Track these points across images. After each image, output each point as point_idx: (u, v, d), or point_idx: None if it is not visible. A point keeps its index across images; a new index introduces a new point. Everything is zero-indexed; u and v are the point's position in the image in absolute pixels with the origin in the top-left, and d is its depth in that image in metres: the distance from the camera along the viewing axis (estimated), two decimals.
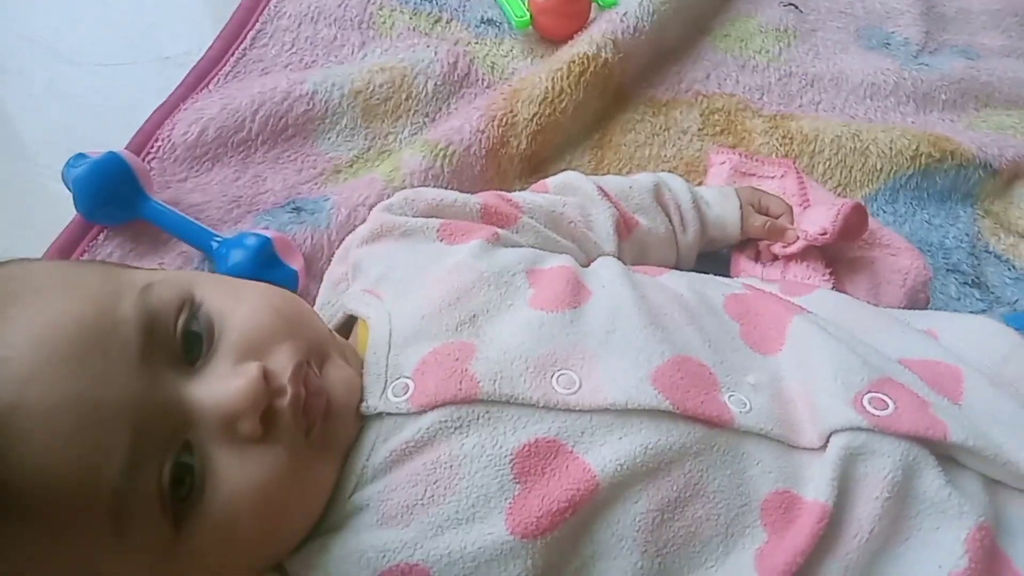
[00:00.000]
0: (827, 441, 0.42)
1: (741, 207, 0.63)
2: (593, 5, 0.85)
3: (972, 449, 0.41)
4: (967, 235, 0.71)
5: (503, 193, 0.59)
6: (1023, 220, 0.72)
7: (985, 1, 0.94)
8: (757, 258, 0.64)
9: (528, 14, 0.84)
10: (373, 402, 0.43)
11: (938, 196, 0.73)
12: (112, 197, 0.64)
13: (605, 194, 0.59)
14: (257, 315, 0.42)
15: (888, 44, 0.88)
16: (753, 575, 0.40)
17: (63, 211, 0.66)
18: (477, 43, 0.84)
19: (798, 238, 0.61)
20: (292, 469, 0.39)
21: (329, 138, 0.74)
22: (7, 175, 0.78)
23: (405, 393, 0.42)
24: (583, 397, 0.42)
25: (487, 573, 0.39)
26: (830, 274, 0.61)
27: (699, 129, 0.78)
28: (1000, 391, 0.46)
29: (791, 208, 0.64)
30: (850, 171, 0.74)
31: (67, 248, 0.65)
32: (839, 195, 0.73)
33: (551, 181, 0.61)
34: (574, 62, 0.76)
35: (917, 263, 0.62)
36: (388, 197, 0.59)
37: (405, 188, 0.66)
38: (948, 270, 0.68)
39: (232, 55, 0.81)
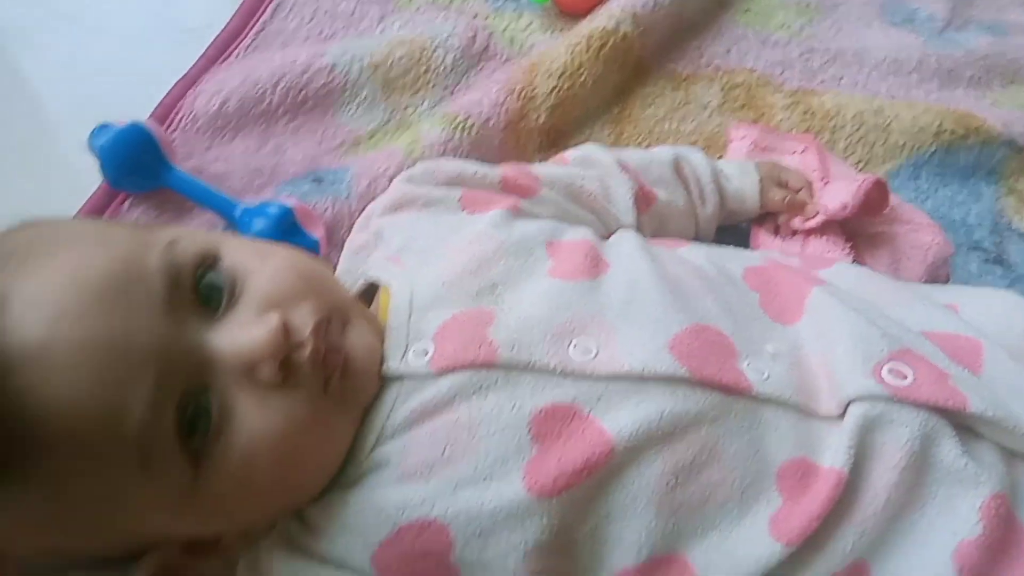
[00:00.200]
0: (845, 410, 0.42)
1: (761, 181, 0.63)
2: None
3: (992, 420, 0.41)
4: (990, 212, 0.70)
5: (523, 165, 0.59)
6: None
7: None
8: (777, 232, 0.64)
9: None
10: (394, 364, 0.43)
11: (961, 173, 0.72)
12: (136, 165, 0.65)
13: (624, 167, 0.59)
14: (280, 273, 0.43)
15: (912, 20, 0.86)
16: (767, 539, 0.40)
17: (88, 180, 0.67)
18: (496, 17, 0.84)
19: (818, 212, 0.61)
20: (309, 418, 0.40)
21: (349, 110, 0.75)
22: (33, 144, 0.79)
23: (425, 356, 0.43)
24: (600, 364, 0.42)
25: (504, 529, 0.40)
26: (850, 249, 0.61)
27: (719, 104, 0.77)
28: (1020, 364, 0.46)
29: (811, 183, 0.64)
30: (872, 147, 0.73)
31: (94, 214, 0.66)
32: (860, 171, 0.72)
33: (570, 154, 0.61)
34: (593, 36, 0.75)
35: (938, 239, 0.61)
36: (408, 168, 0.59)
37: (425, 160, 0.66)
38: (970, 247, 0.68)
39: (252, 27, 0.81)
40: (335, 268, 0.58)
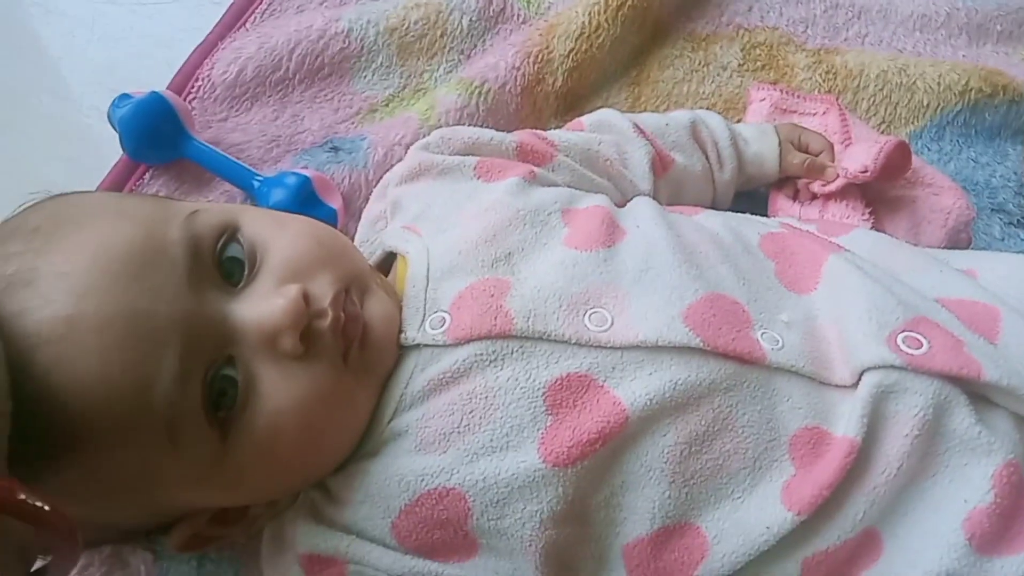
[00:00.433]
0: (859, 379, 0.42)
1: (780, 144, 0.62)
2: None
3: (1006, 388, 0.41)
4: (1015, 174, 0.69)
5: (538, 131, 0.58)
6: None
7: None
8: (795, 197, 0.64)
9: None
10: (411, 334, 0.44)
11: (987, 133, 0.71)
12: (156, 136, 0.65)
13: (641, 131, 0.59)
14: (299, 243, 0.43)
15: None
16: (779, 507, 0.41)
17: (109, 150, 0.68)
18: None
19: (838, 176, 0.60)
20: (331, 388, 0.41)
21: (365, 76, 0.74)
22: (54, 115, 0.80)
23: (442, 326, 0.44)
24: (614, 334, 0.43)
25: (520, 498, 0.41)
26: (870, 213, 0.60)
27: (739, 65, 0.76)
28: None
29: (832, 145, 0.63)
30: (895, 107, 0.71)
31: (115, 186, 0.67)
32: (883, 132, 0.71)
33: (586, 119, 0.61)
34: None
35: (960, 203, 0.60)
36: (424, 136, 0.59)
37: (440, 127, 0.66)
38: (993, 210, 0.66)
39: None
40: (353, 238, 0.58)
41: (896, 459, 0.40)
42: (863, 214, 0.60)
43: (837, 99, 0.70)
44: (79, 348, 0.36)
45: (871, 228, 0.59)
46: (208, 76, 0.72)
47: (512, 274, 0.46)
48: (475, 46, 0.77)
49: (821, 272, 0.47)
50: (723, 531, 0.41)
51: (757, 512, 0.41)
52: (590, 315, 0.44)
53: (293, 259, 0.42)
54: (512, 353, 0.43)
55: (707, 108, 0.71)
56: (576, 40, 0.73)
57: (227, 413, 0.39)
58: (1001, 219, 0.66)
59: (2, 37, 0.86)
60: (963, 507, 0.40)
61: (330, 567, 0.43)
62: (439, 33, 0.76)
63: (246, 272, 0.42)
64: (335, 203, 0.64)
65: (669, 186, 0.60)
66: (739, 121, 0.71)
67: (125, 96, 0.66)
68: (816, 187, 0.62)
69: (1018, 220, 0.66)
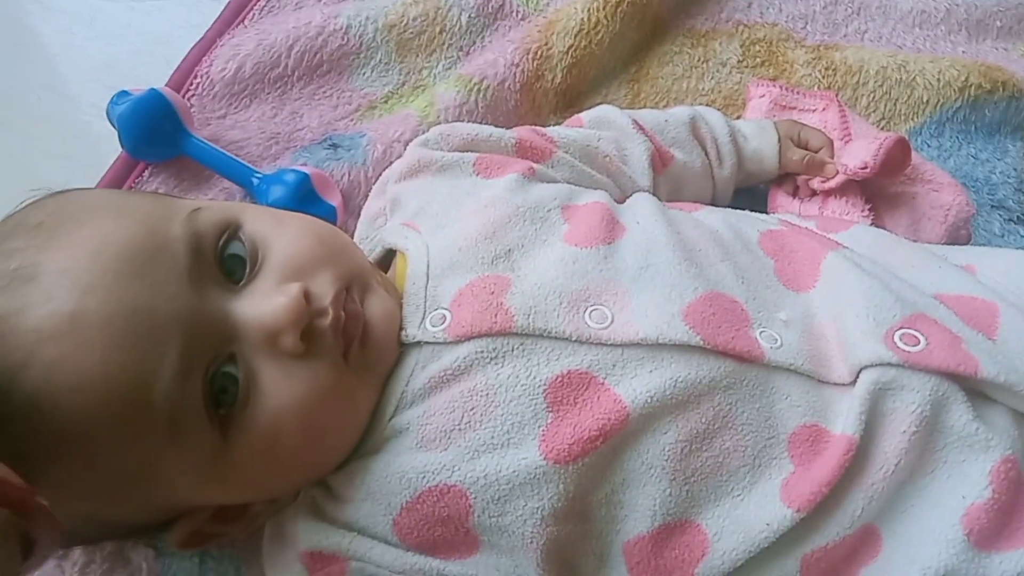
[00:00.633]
0: (857, 377, 0.42)
1: (779, 140, 0.62)
2: None
3: (1004, 384, 0.41)
4: (1015, 170, 0.69)
5: (538, 128, 0.58)
6: None
7: None
8: (795, 193, 0.64)
9: None
10: (412, 331, 0.44)
11: (986, 129, 0.71)
12: (155, 134, 0.65)
13: (640, 128, 0.59)
14: (300, 241, 0.43)
15: None
16: (778, 504, 0.41)
17: (108, 148, 0.68)
18: None
19: (838, 172, 0.60)
20: (332, 386, 0.41)
21: (364, 73, 0.74)
22: (52, 113, 0.80)
23: (442, 323, 0.44)
24: (615, 332, 0.43)
25: (521, 495, 0.41)
26: (869, 210, 0.60)
27: (739, 61, 0.76)
28: None
29: (831, 142, 0.63)
30: (895, 104, 0.71)
31: (114, 184, 0.67)
32: (882, 129, 0.71)
33: (586, 115, 0.61)
34: None
35: (960, 199, 0.61)
36: (423, 133, 0.59)
37: (439, 124, 0.66)
38: (993, 206, 0.67)
39: None
40: (352, 235, 0.58)
41: (894, 456, 0.41)
42: (863, 210, 0.60)
43: (837, 95, 0.70)
44: (81, 344, 0.36)
45: (871, 224, 0.59)
46: (207, 73, 0.72)
47: (512, 271, 0.46)
48: (474, 43, 0.77)
49: (820, 270, 0.47)
50: (723, 528, 0.41)
51: (757, 509, 0.41)
52: (590, 312, 0.44)
53: (294, 257, 0.43)
54: (513, 350, 0.43)
55: (707, 104, 0.71)
56: (575, 36, 0.73)
57: (228, 411, 0.39)
58: (1001, 215, 0.66)
59: (1, 34, 0.86)
60: (961, 503, 0.40)
61: (332, 564, 0.43)
62: (438, 30, 0.76)
63: (247, 270, 0.42)
64: (334, 200, 0.64)
65: (668, 182, 0.60)
66: (738, 118, 0.71)
67: (124, 93, 0.66)
68: (816, 183, 0.62)
69: (1018, 216, 0.66)
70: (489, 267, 0.46)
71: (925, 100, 0.71)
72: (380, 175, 0.60)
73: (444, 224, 0.49)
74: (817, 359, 0.43)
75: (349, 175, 0.66)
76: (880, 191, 0.62)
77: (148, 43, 0.82)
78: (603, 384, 0.42)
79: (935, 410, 0.41)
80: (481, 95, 0.70)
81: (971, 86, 0.70)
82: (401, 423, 0.43)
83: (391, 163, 0.59)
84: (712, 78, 0.75)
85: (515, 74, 0.71)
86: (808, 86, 0.73)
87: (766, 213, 0.61)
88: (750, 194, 0.65)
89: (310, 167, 0.65)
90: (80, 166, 0.73)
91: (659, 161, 0.59)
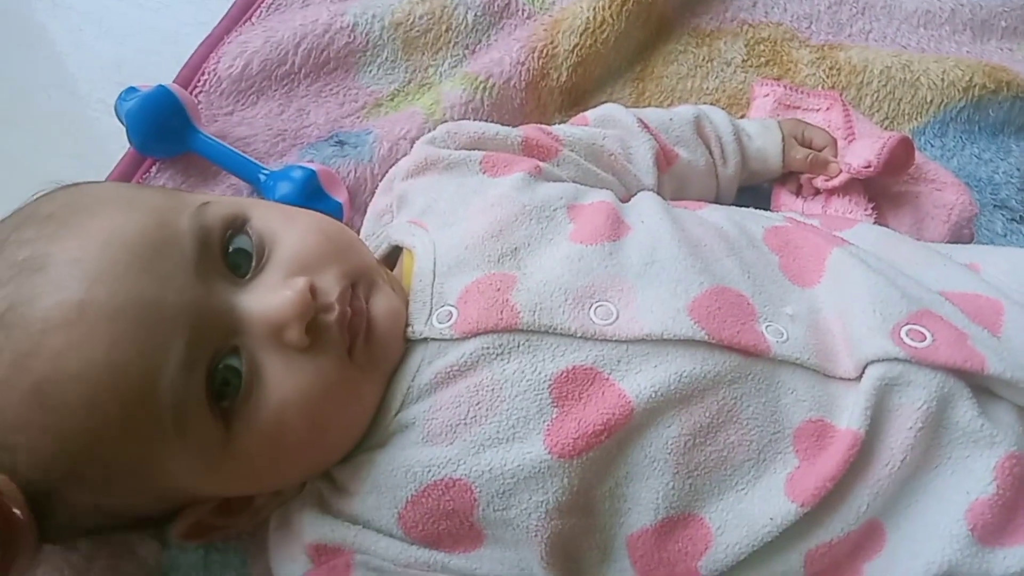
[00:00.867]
0: (863, 372, 0.42)
1: (783, 139, 0.62)
2: None
3: (1009, 381, 0.42)
4: (1018, 170, 0.69)
5: (543, 126, 0.59)
6: None
7: None
8: (799, 192, 0.64)
9: None
10: (419, 328, 0.44)
11: (990, 129, 0.71)
12: (163, 130, 0.65)
13: (645, 126, 0.59)
14: (307, 237, 0.44)
15: None
16: (783, 499, 0.41)
17: (116, 144, 0.68)
18: None
19: (841, 171, 0.60)
20: (336, 380, 0.41)
21: (370, 71, 0.75)
22: (61, 110, 0.81)
23: (449, 320, 0.44)
24: (620, 328, 0.43)
25: (526, 489, 0.41)
26: (873, 209, 0.61)
27: (743, 60, 0.76)
28: None
29: (835, 141, 0.63)
30: (899, 103, 0.72)
31: (122, 180, 0.67)
32: (886, 128, 0.71)
33: (591, 114, 0.61)
34: None
35: (963, 198, 0.61)
36: (429, 130, 0.59)
37: (445, 121, 0.66)
38: (995, 206, 0.67)
39: None
40: (358, 232, 0.59)
41: (899, 451, 0.41)
42: (866, 209, 0.61)
43: (841, 95, 0.70)
44: (88, 334, 0.36)
45: (874, 223, 0.59)
46: (214, 70, 0.72)
47: (518, 269, 0.46)
48: (480, 41, 0.77)
49: (825, 265, 0.47)
50: (727, 522, 0.41)
51: (761, 504, 0.41)
52: (595, 308, 0.44)
53: (301, 253, 0.43)
54: (518, 346, 0.43)
55: (711, 103, 0.72)
56: (580, 36, 0.73)
57: (231, 403, 0.39)
58: (1004, 215, 0.66)
59: (10, 32, 0.87)
60: (965, 498, 0.40)
61: (337, 556, 0.43)
62: (444, 28, 0.76)
63: (253, 264, 0.42)
64: (340, 197, 0.64)
65: (673, 181, 0.60)
66: (743, 117, 0.71)
67: (132, 90, 0.66)
68: (819, 182, 0.62)
69: (1020, 216, 0.66)
70: (495, 265, 0.46)
71: (929, 100, 0.71)
72: (386, 172, 0.60)
73: (451, 222, 0.49)
74: (823, 353, 0.43)
75: (355, 172, 0.66)
76: (883, 190, 0.62)
77: (156, 40, 0.82)
78: (608, 379, 0.42)
79: (941, 406, 0.41)
80: (487, 93, 0.70)
81: (975, 86, 0.70)
82: (407, 418, 0.43)
83: (397, 160, 0.59)
84: (717, 77, 0.75)
85: (521, 72, 0.71)
86: (812, 86, 0.73)
87: (770, 211, 0.61)
88: (754, 193, 0.65)
89: (317, 164, 0.65)
90: (89, 162, 0.74)
91: (663, 160, 0.59)
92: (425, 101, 0.71)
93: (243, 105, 0.72)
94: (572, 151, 0.56)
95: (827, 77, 0.73)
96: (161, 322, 0.37)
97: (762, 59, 0.76)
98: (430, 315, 0.45)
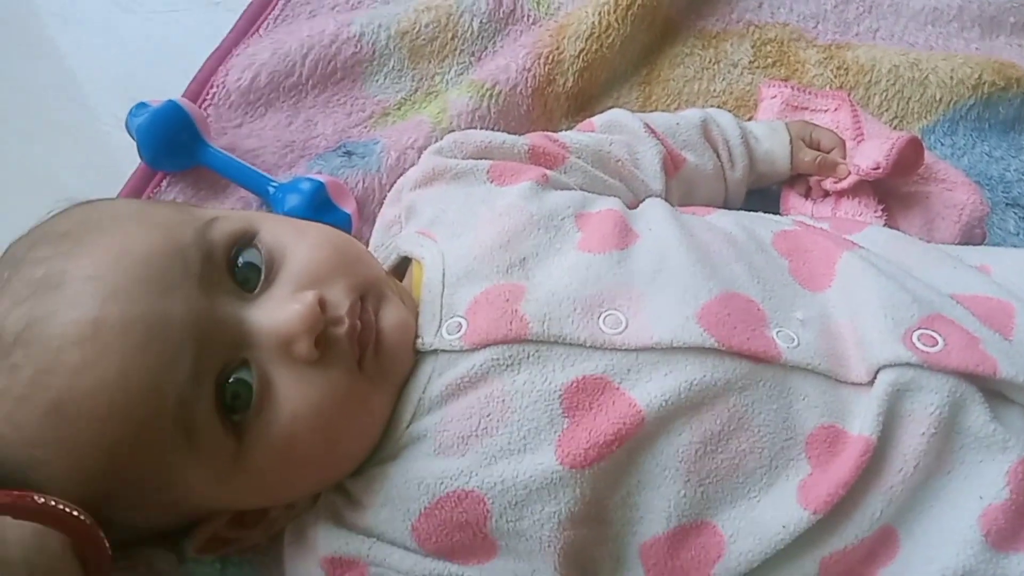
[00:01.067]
0: (875, 377, 0.42)
1: (791, 141, 0.62)
2: None
3: (1022, 385, 0.41)
4: None
5: (550, 133, 0.59)
6: None
7: None
8: (808, 194, 0.64)
9: None
10: (428, 339, 0.45)
11: (1000, 127, 0.70)
12: (173, 145, 0.66)
13: (652, 131, 0.59)
14: (317, 251, 0.44)
15: None
16: (795, 506, 0.41)
17: (127, 158, 0.69)
18: None
19: (850, 173, 0.60)
20: (346, 394, 0.42)
21: (377, 80, 0.75)
22: (72, 124, 0.81)
23: (458, 331, 0.44)
24: (629, 337, 0.43)
25: (538, 500, 0.41)
26: (882, 210, 0.60)
27: (750, 62, 0.76)
28: None
29: (843, 142, 0.63)
30: (907, 102, 0.71)
31: (134, 194, 0.67)
32: (895, 128, 0.71)
33: (597, 120, 0.61)
34: None
35: (974, 198, 0.60)
36: (436, 139, 0.59)
37: (452, 130, 0.67)
38: (1007, 204, 0.66)
39: None
40: (367, 243, 0.59)
41: (912, 457, 0.41)
42: (875, 211, 0.60)
43: (849, 95, 0.70)
44: (102, 350, 0.37)
45: (884, 225, 0.59)
46: (223, 83, 0.72)
47: (527, 279, 0.46)
48: (486, 48, 0.77)
49: (835, 269, 0.47)
50: (739, 530, 0.41)
51: (773, 511, 0.41)
52: (604, 317, 0.44)
53: (311, 266, 0.43)
54: (528, 357, 0.43)
55: (718, 106, 0.71)
56: (586, 40, 0.73)
57: (242, 416, 0.40)
58: (1016, 214, 0.66)
59: (22, 47, 0.88)
60: (979, 504, 0.40)
61: (351, 569, 0.43)
62: (450, 36, 0.77)
63: (263, 278, 0.43)
64: (349, 208, 0.64)
65: (681, 186, 0.60)
66: (750, 119, 0.71)
67: (142, 105, 0.67)
68: (828, 184, 0.62)
69: None
70: (504, 275, 0.46)
71: (938, 98, 0.71)
72: (394, 182, 0.60)
73: (459, 232, 0.50)
74: (835, 359, 0.43)
75: (363, 182, 0.67)
76: (893, 191, 0.62)
77: (165, 54, 0.83)
78: (618, 389, 0.42)
79: (953, 411, 0.41)
80: (493, 100, 0.70)
81: (984, 83, 0.70)
82: (419, 430, 0.44)
83: (405, 170, 0.60)
84: (723, 79, 0.75)
85: (527, 79, 0.71)
86: (820, 86, 0.72)
87: (779, 215, 0.61)
88: (762, 196, 0.65)
89: (325, 175, 0.66)
90: (100, 176, 0.75)
91: (671, 164, 0.59)
92: (432, 109, 0.71)
93: (252, 117, 0.72)
94: (579, 158, 0.56)
95: (835, 77, 0.73)
96: (168, 336, 0.38)
97: (769, 60, 0.76)
98: (439, 326, 0.45)
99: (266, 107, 0.73)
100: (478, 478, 0.42)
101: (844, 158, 0.62)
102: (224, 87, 0.72)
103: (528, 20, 0.79)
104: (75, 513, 0.35)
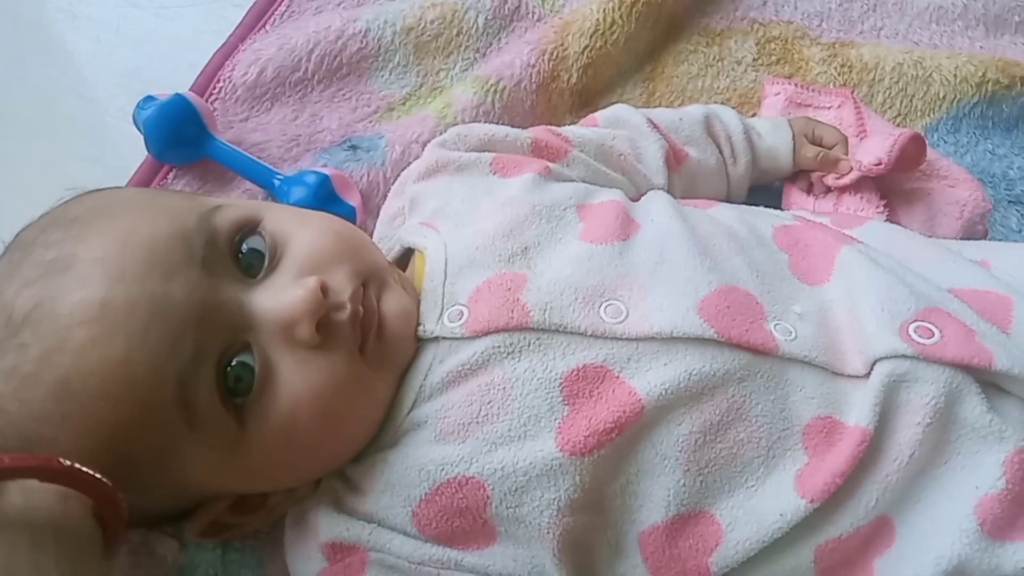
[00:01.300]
0: (871, 369, 0.43)
1: (794, 138, 0.63)
2: None
3: (1018, 376, 0.42)
4: None
5: (553, 127, 0.59)
6: None
7: None
8: (810, 190, 0.64)
9: None
10: (430, 326, 0.45)
11: (1004, 125, 0.71)
12: (180, 137, 0.66)
13: (655, 126, 0.59)
14: (320, 238, 0.44)
15: None
16: (792, 495, 0.41)
17: (134, 151, 0.70)
18: None
19: (852, 169, 0.60)
20: (347, 379, 0.42)
21: (382, 76, 0.76)
22: (80, 117, 0.82)
23: (460, 319, 0.45)
24: (630, 326, 0.44)
25: (538, 487, 0.41)
26: (884, 206, 0.61)
27: (754, 59, 0.76)
28: None
29: (846, 138, 0.63)
30: (911, 100, 0.71)
31: (141, 186, 0.68)
32: (899, 125, 0.71)
33: (601, 115, 0.62)
34: None
35: (976, 195, 0.61)
36: (441, 134, 0.60)
37: (457, 125, 0.67)
38: (1010, 202, 0.66)
39: None
40: (371, 235, 0.59)
41: (908, 447, 0.41)
42: (877, 207, 0.60)
43: (852, 92, 0.70)
44: (108, 330, 0.37)
45: (885, 220, 0.59)
46: (229, 77, 0.73)
47: (529, 268, 0.46)
48: (491, 44, 0.77)
49: (834, 264, 0.48)
50: (737, 518, 0.42)
51: (771, 500, 0.41)
52: (605, 307, 0.44)
53: (314, 252, 0.44)
54: (529, 345, 0.43)
55: (722, 103, 0.72)
56: (591, 37, 0.73)
57: (244, 400, 0.40)
58: (1018, 211, 0.66)
59: (30, 42, 0.88)
60: (975, 493, 0.40)
61: (352, 555, 0.44)
62: (455, 32, 0.77)
63: (267, 263, 0.43)
64: (354, 201, 0.65)
65: (683, 180, 0.60)
66: (754, 115, 0.71)
67: (149, 98, 0.67)
68: (830, 180, 0.62)
69: None
70: (506, 264, 0.46)
71: (942, 96, 0.71)
72: (398, 175, 0.61)
73: (462, 223, 0.50)
74: (832, 351, 0.44)
75: (368, 176, 0.67)
76: (895, 187, 0.62)
77: (173, 49, 0.83)
78: (618, 377, 0.43)
79: (949, 402, 0.41)
80: (498, 96, 0.70)
81: (988, 81, 0.70)
82: (419, 416, 0.44)
83: (409, 164, 0.60)
84: (727, 76, 0.75)
85: (531, 75, 0.72)
86: (824, 83, 0.73)
87: (781, 210, 0.61)
88: (765, 191, 0.65)
89: (330, 168, 0.66)
90: (108, 168, 0.75)
91: (673, 159, 0.59)
92: (437, 105, 0.71)
93: (258, 111, 0.73)
94: (581, 151, 0.57)
95: (838, 75, 0.73)
96: (170, 317, 0.39)
97: (773, 57, 0.76)
98: (441, 314, 0.45)
99: (272, 101, 0.73)
100: (478, 464, 0.42)
101: (847, 154, 0.62)
102: (231, 81, 0.73)
103: (533, 17, 0.79)
104: (98, 476, 0.35)
